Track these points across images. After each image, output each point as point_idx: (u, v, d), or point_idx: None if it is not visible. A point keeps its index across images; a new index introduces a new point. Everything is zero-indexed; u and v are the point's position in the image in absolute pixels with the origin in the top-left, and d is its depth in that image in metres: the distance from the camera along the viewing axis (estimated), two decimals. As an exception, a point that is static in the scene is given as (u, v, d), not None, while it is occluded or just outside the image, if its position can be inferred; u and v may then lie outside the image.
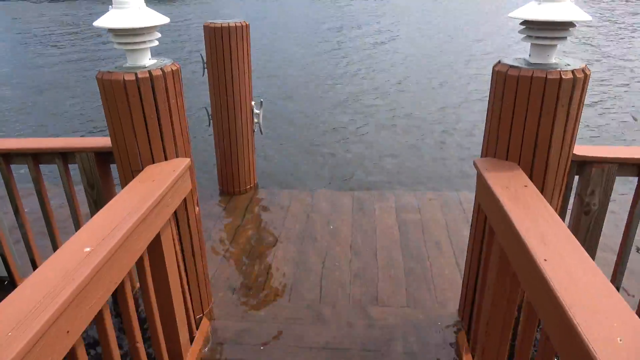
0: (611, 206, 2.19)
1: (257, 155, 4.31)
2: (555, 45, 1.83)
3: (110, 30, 1.87)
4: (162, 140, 2.01)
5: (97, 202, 2.40)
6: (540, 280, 1.24)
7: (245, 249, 3.15)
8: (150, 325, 1.88)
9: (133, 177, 1.98)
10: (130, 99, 1.88)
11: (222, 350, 2.31)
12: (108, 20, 1.83)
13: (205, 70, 3.54)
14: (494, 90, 1.94)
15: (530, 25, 1.83)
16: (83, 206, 2.48)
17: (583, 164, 2.09)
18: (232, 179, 3.81)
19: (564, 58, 1.92)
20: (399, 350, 2.29)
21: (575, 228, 2.19)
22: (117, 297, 1.59)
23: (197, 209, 2.31)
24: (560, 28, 1.79)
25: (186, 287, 2.25)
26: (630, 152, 2.07)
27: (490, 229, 1.87)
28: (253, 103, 3.68)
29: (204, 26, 3.37)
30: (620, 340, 1.01)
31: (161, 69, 1.92)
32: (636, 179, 2.13)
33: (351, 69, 9.50)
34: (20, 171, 2.53)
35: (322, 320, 2.50)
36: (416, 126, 6.45)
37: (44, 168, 2.44)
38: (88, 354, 1.53)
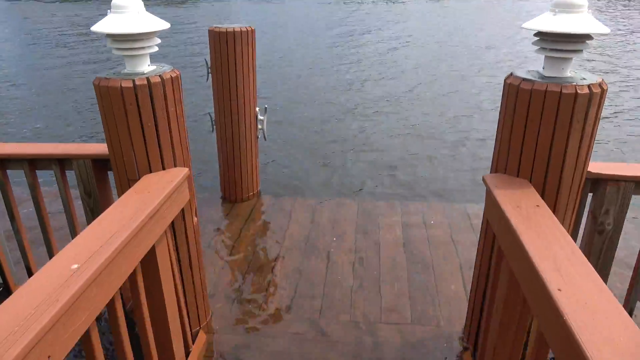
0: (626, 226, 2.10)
1: (262, 162, 4.25)
2: (571, 59, 1.75)
3: (108, 35, 1.81)
4: (159, 149, 1.95)
5: (94, 210, 2.34)
6: (554, 312, 1.15)
7: (246, 258, 3.08)
8: (142, 339, 1.82)
9: (129, 187, 1.92)
10: (127, 106, 1.82)
11: (219, 366, 2.24)
12: (106, 25, 1.77)
13: (210, 75, 3.49)
14: (506, 103, 1.85)
15: (544, 37, 1.75)
16: (81, 212, 2.42)
17: (597, 182, 2.00)
18: (234, 185, 3.75)
19: (580, 71, 1.83)
20: (402, 370, 2.21)
21: (587, 247, 2.10)
22: (108, 315, 1.52)
23: (195, 219, 2.24)
24: (576, 40, 1.70)
25: (182, 299, 2.18)
26: (647, 170, 1.98)
27: (499, 249, 1.79)
28: (257, 109, 3.62)
29: (208, 30, 3.32)
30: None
31: (160, 75, 1.85)
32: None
33: (361, 75, 9.42)
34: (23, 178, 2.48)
35: (324, 335, 2.42)
36: (427, 135, 6.34)
37: (45, 171, 2.38)
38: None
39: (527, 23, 1.74)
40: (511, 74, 1.85)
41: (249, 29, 3.31)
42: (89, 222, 2.35)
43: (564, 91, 1.67)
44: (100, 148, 2.24)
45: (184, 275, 2.22)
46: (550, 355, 1.44)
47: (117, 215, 1.63)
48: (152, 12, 1.87)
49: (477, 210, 3.62)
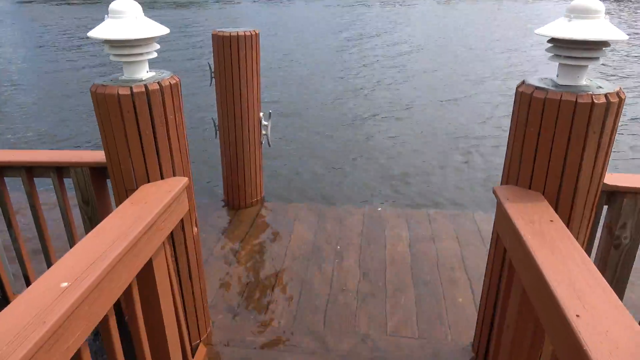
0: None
1: (269, 167, 4.17)
2: (587, 66, 1.67)
3: (106, 41, 1.75)
4: (158, 158, 1.89)
5: (92, 218, 2.28)
6: (572, 339, 1.07)
7: (248, 268, 3.01)
8: (138, 353, 1.75)
9: (127, 196, 1.86)
10: (124, 114, 1.76)
11: (219, 381, 2.18)
12: (103, 30, 1.71)
13: (213, 79, 3.43)
14: (518, 112, 1.77)
15: (558, 44, 1.67)
16: (79, 220, 2.36)
17: (613, 194, 1.91)
18: (237, 191, 3.68)
19: (595, 79, 1.75)
20: (408, 387, 2.13)
21: (602, 262, 2.02)
22: (100, 333, 1.46)
23: (195, 229, 2.18)
24: (592, 47, 1.62)
25: (181, 312, 2.12)
26: (666, 182, 1.90)
27: (510, 264, 1.71)
28: (261, 114, 3.55)
29: (212, 34, 3.26)
30: None
31: (159, 82, 1.79)
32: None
33: (372, 80, 9.32)
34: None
35: (327, 350, 2.34)
36: (438, 142, 6.24)
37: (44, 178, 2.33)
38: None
39: (540, 29, 1.67)
40: (523, 81, 1.78)
41: (253, 32, 3.25)
42: (87, 230, 2.30)
43: (579, 100, 1.59)
44: (98, 156, 2.18)
45: (184, 287, 2.16)
46: None
47: (112, 229, 1.56)
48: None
49: (486, 219, 3.53)
